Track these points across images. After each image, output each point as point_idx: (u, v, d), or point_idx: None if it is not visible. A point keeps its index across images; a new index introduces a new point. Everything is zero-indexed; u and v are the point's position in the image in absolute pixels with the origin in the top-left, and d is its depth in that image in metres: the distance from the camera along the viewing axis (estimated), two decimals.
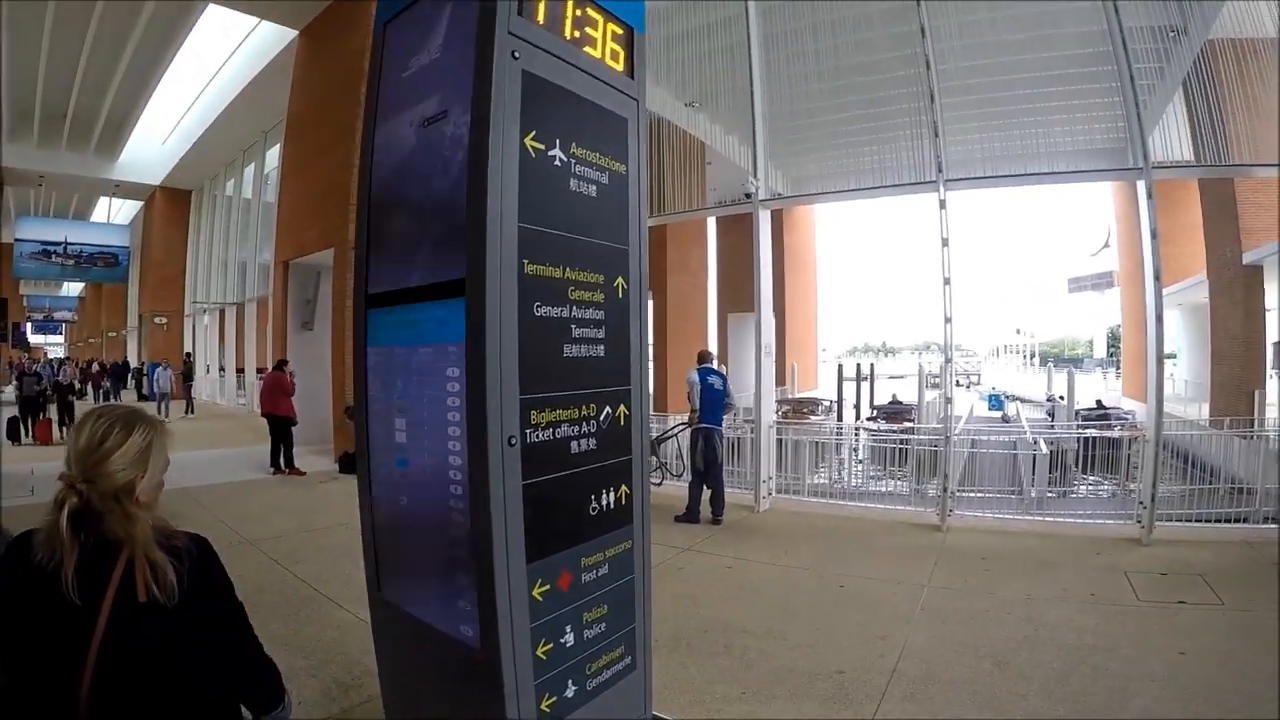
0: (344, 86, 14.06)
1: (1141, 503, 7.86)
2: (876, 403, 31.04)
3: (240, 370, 26.35)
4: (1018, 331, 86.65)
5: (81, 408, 17.83)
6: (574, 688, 2.63)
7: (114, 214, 38.29)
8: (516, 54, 2.39)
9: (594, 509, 2.72)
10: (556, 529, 2.55)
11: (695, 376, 9.02)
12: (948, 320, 8.64)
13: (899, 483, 13.32)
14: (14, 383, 19.26)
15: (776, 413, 11.44)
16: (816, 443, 13.16)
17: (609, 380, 2.78)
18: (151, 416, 1.90)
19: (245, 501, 9.82)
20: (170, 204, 31.87)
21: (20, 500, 6.12)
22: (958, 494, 9.41)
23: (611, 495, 2.79)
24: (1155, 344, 7.96)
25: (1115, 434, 15.61)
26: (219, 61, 21.62)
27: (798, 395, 26.82)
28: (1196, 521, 8.74)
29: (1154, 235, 7.91)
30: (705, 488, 8.98)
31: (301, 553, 7.30)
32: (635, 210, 2.91)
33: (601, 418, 2.73)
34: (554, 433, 2.52)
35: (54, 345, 61.74)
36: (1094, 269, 56.84)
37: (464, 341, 2.38)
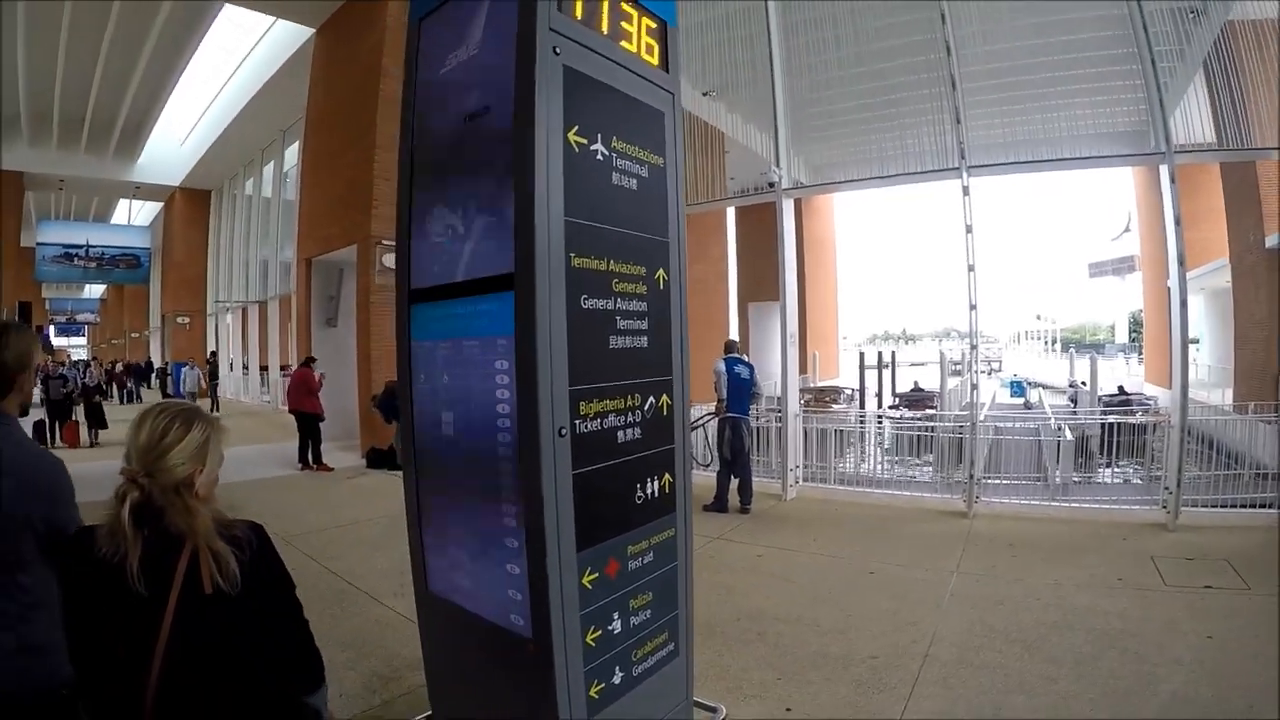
0: (362, 84, 14.16)
1: (1167, 488, 7.85)
2: (898, 390, 30.91)
3: (264, 368, 26.48)
4: (1038, 317, 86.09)
5: (107, 409, 17.96)
6: (621, 674, 2.68)
7: (134, 216, 38.60)
8: (558, 50, 2.43)
9: (639, 497, 2.77)
10: (605, 517, 2.60)
11: (722, 366, 9.05)
12: (972, 307, 8.62)
13: (924, 470, 13.29)
14: (39, 387, 19.32)
15: (800, 401, 11.43)
16: (840, 431, 13.15)
17: (652, 371, 2.83)
18: (207, 413, 1.95)
19: (276, 498, 9.88)
20: (190, 204, 32.04)
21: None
22: (983, 481, 9.39)
23: (656, 484, 2.84)
24: (1180, 330, 7.92)
25: (1138, 420, 15.52)
26: (236, 61, 21.70)
27: (819, 384, 26.72)
28: (1222, 507, 8.69)
29: (1177, 221, 7.87)
30: (733, 477, 9.01)
31: (334, 548, 7.38)
32: (673, 203, 2.95)
33: (646, 408, 2.78)
34: (601, 423, 2.57)
35: (77, 347, 62.20)
36: (1115, 253, 56.41)
37: (513, 335, 2.42)
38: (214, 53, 21.21)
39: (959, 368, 22.79)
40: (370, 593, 5.99)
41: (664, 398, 2.89)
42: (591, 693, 2.54)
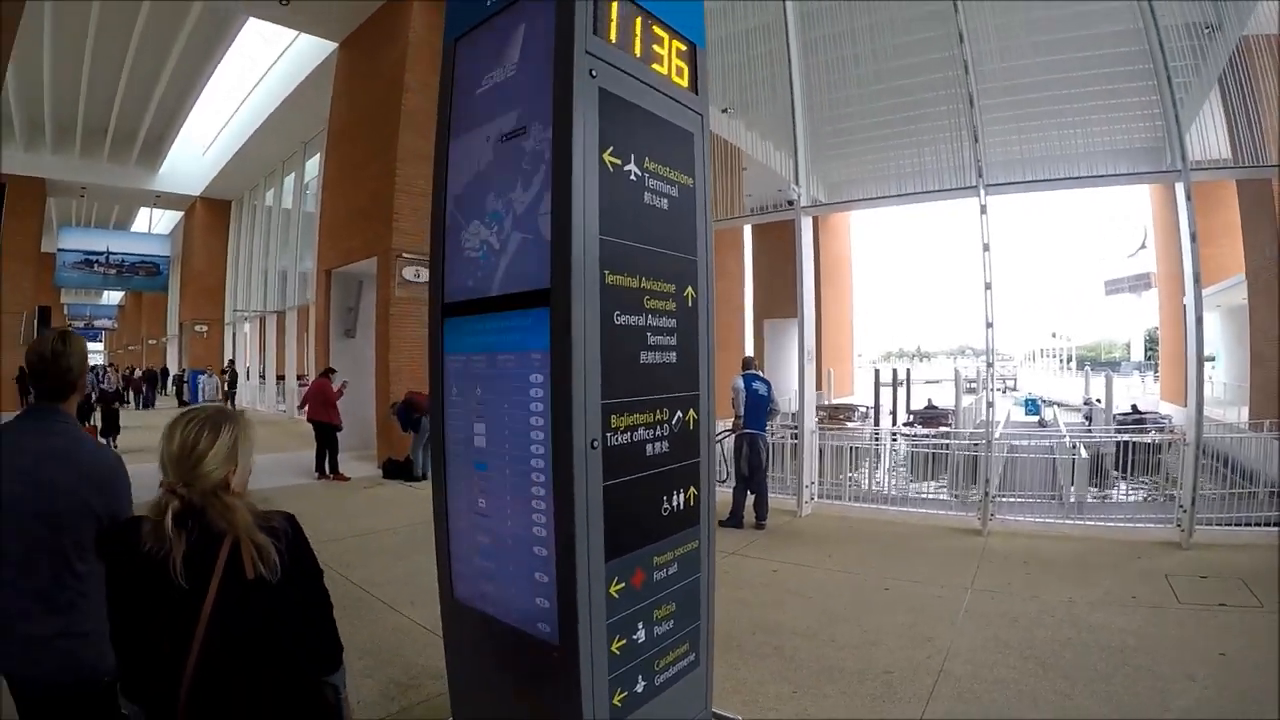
0: (384, 97, 14.28)
1: (1182, 506, 7.83)
2: (913, 408, 30.83)
3: (281, 377, 26.61)
4: (1054, 335, 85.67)
5: (123, 415, 18.02)
6: (643, 683, 2.73)
7: (154, 224, 38.85)
8: (594, 72, 2.51)
9: (666, 509, 2.83)
10: (633, 528, 2.66)
11: (740, 383, 9.08)
12: (989, 325, 8.64)
13: (939, 487, 13.28)
14: None
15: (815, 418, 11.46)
16: (855, 448, 13.16)
17: (680, 386, 2.89)
18: (232, 412, 2.04)
19: (293, 506, 9.56)
20: (210, 214, 32.30)
21: None
22: (998, 498, 9.39)
23: (681, 496, 2.90)
24: (1195, 347, 7.91)
25: (1152, 438, 15.47)
26: (259, 74, 21.89)
27: (834, 401, 26.69)
28: (1236, 525, 8.67)
29: (1194, 238, 7.86)
30: (749, 492, 9.03)
31: (352, 557, 7.42)
32: (701, 222, 3.02)
33: (673, 422, 2.84)
34: (631, 436, 2.64)
35: (94, 353, 62.55)
36: (1131, 270, 56.04)
37: (548, 349, 2.49)
38: (237, 65, 21.39)
39: (974, 385, 22.74)
40: (388, 601, 6.04)
41: (691, 412, 2.95)
42: (615, 700, 2.59)
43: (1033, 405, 32.66)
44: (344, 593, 6.17)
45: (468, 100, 2.97)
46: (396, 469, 12.58)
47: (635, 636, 2.68)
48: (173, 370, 37.21)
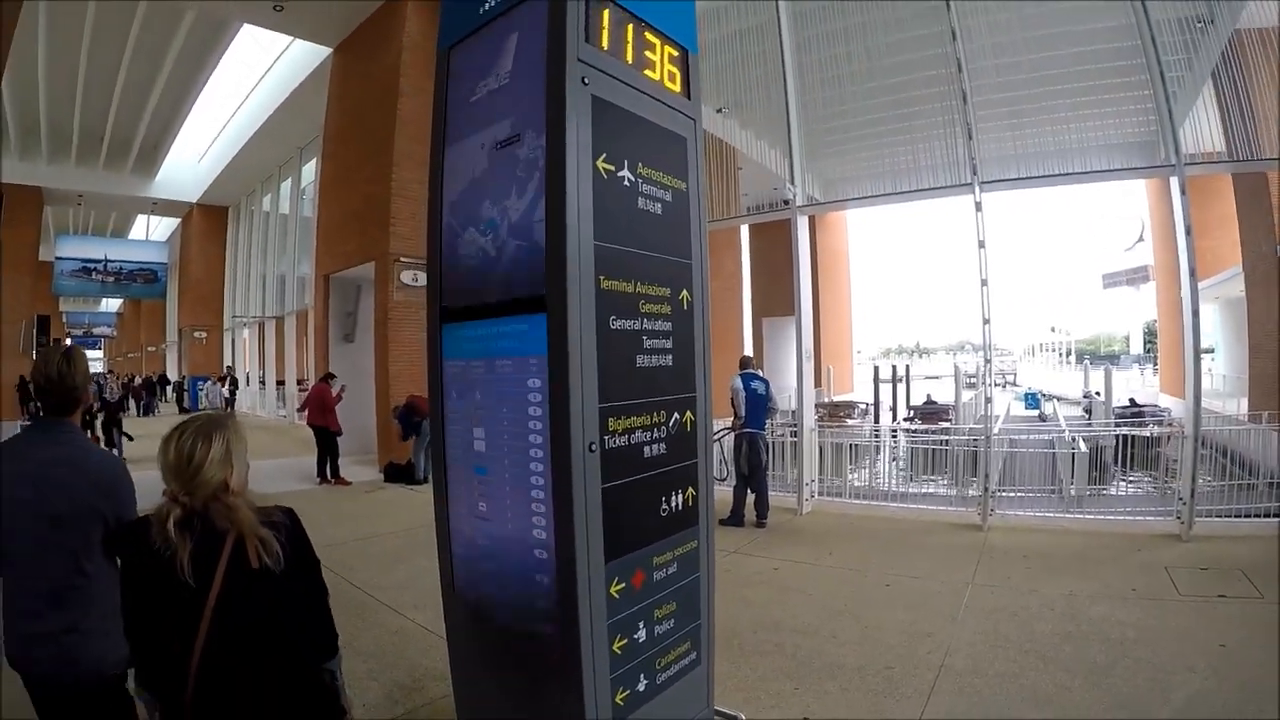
0: (379, 102, 14.29)
1: (1181, 499, 7.85)
2: (912, 403, 30.84)
3: (280, 383, 26.63)
4: (1053, 329, 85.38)
5: (126, 423, 17.99)
6: (645, 682, 2.75)
7: (152, 231, 38.87)
8: (586, 80, 2.54)
9: (664, 510, 2.85)
10: (632, 529, 2.69)
11: (739, 382, 9.11)
12: (986, 321, 8.66)
13: (939, 483, 13.31)
14: None
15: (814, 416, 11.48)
16: (855, 445, 13.19)
17: (676, 388, 2.91)
18: (222, 417, 2.22)
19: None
20: (208, 220, 32.26)
21: None
22: (997, 493, 9.41)
23: (680, 497, 2.92)
24: (1192, 340, 7.94)
25: (1150, 431, 15.50)
26: (254, 80, 21.90)
27: (834, 398, 26.70)
28: (1235, 516, 8.70)
29: (1188, 232, 7.89)
30: (749, 491, 9.06)
31: (355, 560, 7.44)
32: (695, 225, 3.05)
33: (670, 424, 2.87)
34: (629, 439, 2.66)
35: (93, 360, 62.56)
36: (1128, 264, 55.89)
37: (546, 354, 2.52)
38: (233, 71, 21.41)
39: (973, 381, 22.77)
40: (391, 605, 6.06)
41: (688, 414, 2.98)
42: (617, 699, 2.62)
43: (1033, 399, 32.78)
44: (347, 596, 6.19)
45: (462, 108, 2.99)
46: (398, 473, 12.60)
47: (636, 636, 2.70)
48: (173, 377, 37.23)
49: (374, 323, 14.71)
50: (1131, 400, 23.24)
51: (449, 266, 3.04)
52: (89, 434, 16.95)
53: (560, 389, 2.46)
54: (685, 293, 2.97)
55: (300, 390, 21.72)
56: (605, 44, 2.66)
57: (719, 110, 11.28)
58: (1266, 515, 8.70)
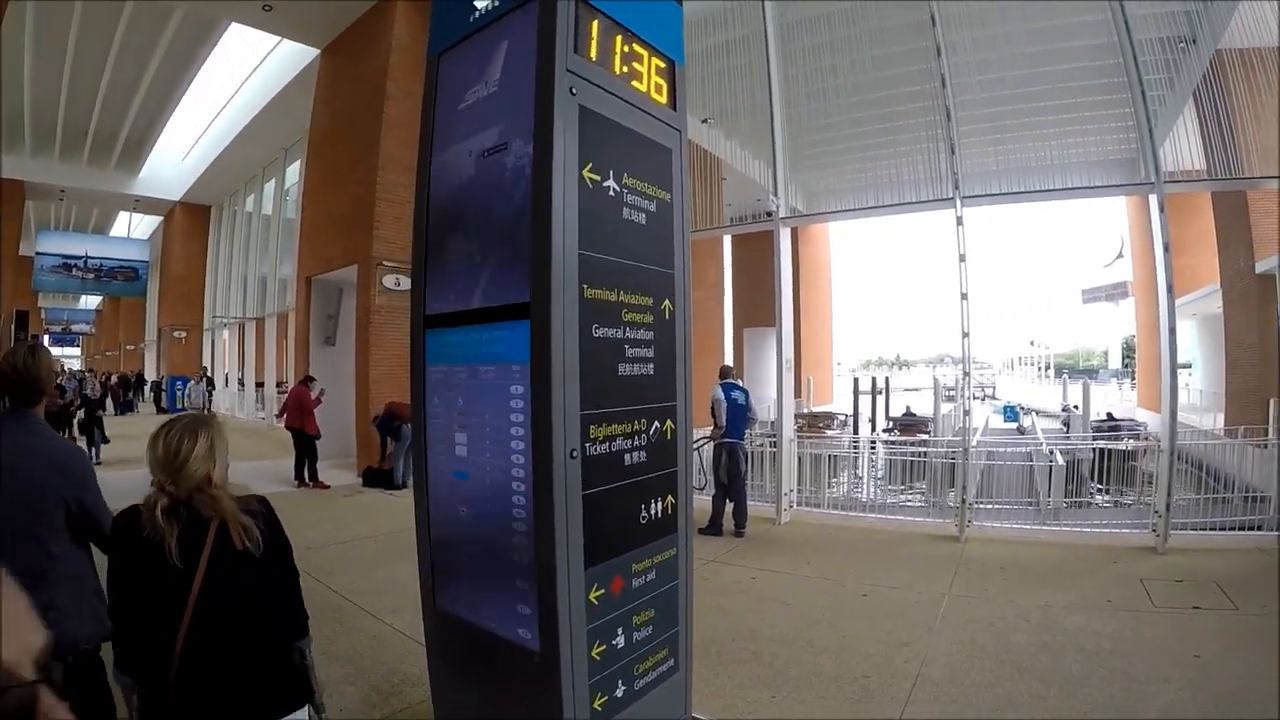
0: (366, 105, 14.25)
1: (1157, 512, 7.94)
2: (892, 415, 30.94)
3: (259, 384, 26.47)
4: (1032, 343, 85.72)
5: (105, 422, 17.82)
6: (623, 688, 2.77)
7: (134, 228, 38.58)
8: (574, 90, 2.56)
9: (644, 517, 2.87)
10: (611, 536, 2.70)
11: (720, 392, 9.11)
12: (965, 335, 8.73)
13: (917, 495, 13.37)
14: None
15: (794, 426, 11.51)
16: (834, 456, 13.23)
17: (658, 397, 2.94)
18: (206, 417, 2.42)
19: None
20: (190, 219, 31.97)
21: None
22: (975, 505, 9.48)
23: (659, 505, 2.94)
24: (1169, 356, 8.03)
25: (1127, 445, 15.62)
26: (240, 79, 21.79)
27: (814, 409, 26.77)
28: (1211, 529, 8.79)
29: (1166, 249, 7.98)
30: (728, 501, 9.08)
31: (332, 564, 7.40)
32: (679, 236, 3.08)
33: (651, 432, 2.89)
34: (610, 446, 2.68)
35: (70, 358, 61.98)
36: (1108, 279, 56.29)
37: (528, 361, 2.54)
38: (219, 70, 21.32)
39: (952, 393, 22.89)
40: (369, 609, 6.03)
41: (668, 423, 3.00)
42: (595, 704, 2.63)
43: (1011, 412, 32.94)
44: (324, 600, 6.18)
45: (450, 115, 3.01)
46: (376, 477, 12.54)
47: (615, 642, 2.72)
48: (150, 376, 36.95)
49: (355, 326, 14.64)
50: (1109, 414, 23.38)
51: (434, 272, 3.04)
52: (67, 432, 16.82)
53: (542, 395, 2.47)
54: (668, 302, 2.99)
55: (280, 393, 21.59)
56: (594, 54, 2.69)
57: (704, 121, 11.32)
58: (1241, 529, 8.81)
